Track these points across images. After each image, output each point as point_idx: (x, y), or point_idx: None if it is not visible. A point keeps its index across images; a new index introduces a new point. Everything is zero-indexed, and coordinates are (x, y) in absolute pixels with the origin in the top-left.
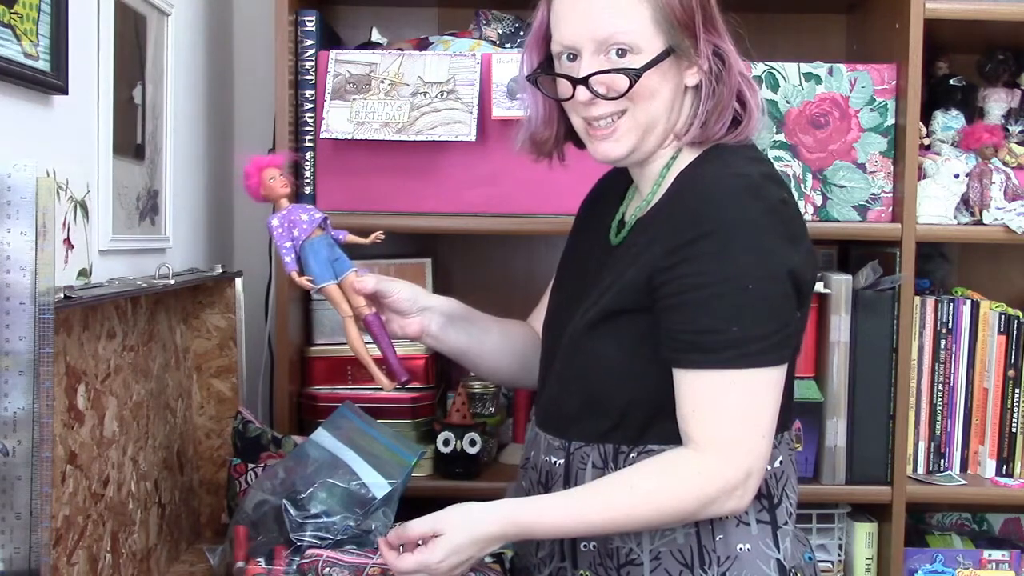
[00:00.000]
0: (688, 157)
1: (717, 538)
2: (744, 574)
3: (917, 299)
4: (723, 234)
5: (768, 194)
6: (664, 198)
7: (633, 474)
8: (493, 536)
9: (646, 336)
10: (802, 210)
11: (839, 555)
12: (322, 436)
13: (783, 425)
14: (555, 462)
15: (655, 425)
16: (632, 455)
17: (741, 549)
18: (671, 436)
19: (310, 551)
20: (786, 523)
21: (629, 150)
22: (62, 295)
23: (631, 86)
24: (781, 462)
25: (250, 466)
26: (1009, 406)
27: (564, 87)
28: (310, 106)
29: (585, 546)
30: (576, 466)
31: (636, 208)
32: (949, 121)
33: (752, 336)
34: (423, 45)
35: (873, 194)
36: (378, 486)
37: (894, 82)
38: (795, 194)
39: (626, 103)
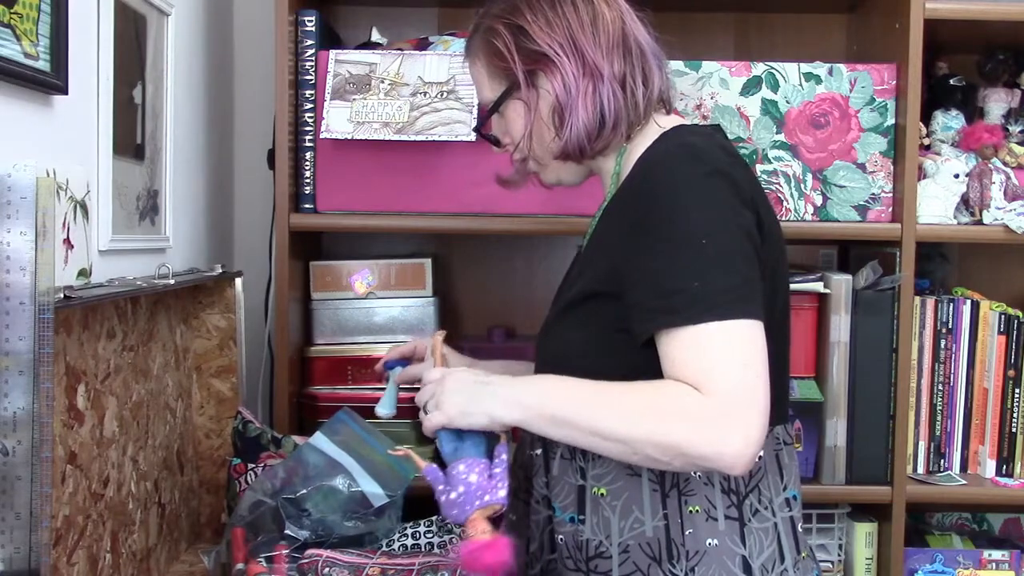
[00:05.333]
0: (641, 145)
1: (686, 532)
2: (712, 569)
3: (917, 299)
4: (670, 199)
5: (710, 158)
6: (623, 184)
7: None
8: (498, 386)
9: (613, 323)
10: (802, 210)
11: (839, 555)
12: (320, 441)
13: (772, 420)
14: (535, 454)
15: None
16: None
17: (709, 544)
18: None
19: (310, 551)
20: (750, 520)
21: (556, 179)
22: (62, 295)
23: (487, 138)
24: (760, 457)
25: (250, 466)
26: (1009, 406)
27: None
28: (310, 106)
29: (562, 539)
30: (550, 455)
31: (600, 208)
32: (949, 121)
33: (717, 289)
34: (423, 45)
35: (873, 194)
36: (376, 496)
37: (894, 82)
38: (795, 194)
39: (517, 149)
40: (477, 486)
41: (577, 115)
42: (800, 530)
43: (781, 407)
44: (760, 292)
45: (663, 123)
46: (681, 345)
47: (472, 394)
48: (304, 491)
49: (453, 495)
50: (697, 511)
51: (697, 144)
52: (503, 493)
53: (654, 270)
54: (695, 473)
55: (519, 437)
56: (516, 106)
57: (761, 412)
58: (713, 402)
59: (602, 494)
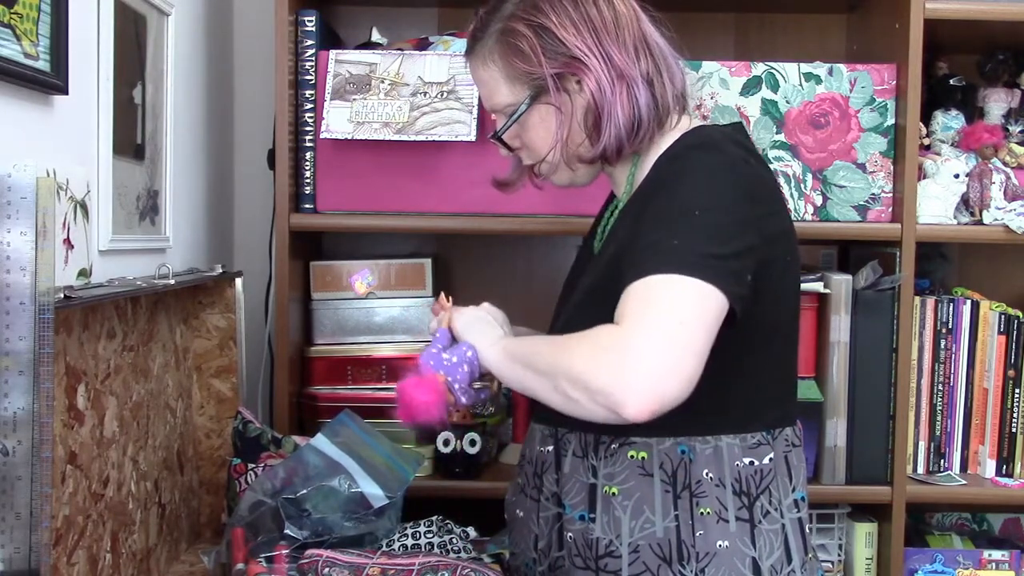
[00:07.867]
0: (659, 147)
1: (697, 534)
2: (722, 571)
3: (917, 299)
4: (677, 181)
5: (726, 152)
6: (641, 185)
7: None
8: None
9: None
10: (802, 210)
11: (839, 555)
12: (321, 442)
13: (781, 421)
14: (546, 450)
15: None
16: (613, 446)
17: (720, 546)
18: (653, 429)
19: (310, 551)
20: (761, 522)
21: (569, 181)
22: (62, 295)
23: (504, 144)
24: (771, 459)
25: (250, 466)
26: (1009, 406)
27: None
28: (310, 106)
29: (571, 536)
30: (561, 452)
31: (615, 211)
32: (949, 121)
33: (691, 249)
34: (423, 45)
35: (873, 194)
36: (376, 497)
37: (894, 82)
38: (795, 194)
39: (532, 152)
40: (468, 377)
41: (614, 119)
42: (807, 531)
43: (788, 409)
44: (742, 278)
45: (683, 124)
46: (632, 291)
47: (473, 320)
48: (304, 491)
49: (446, 356)
50: (708, 513)
51: (714, 137)
52: (465, 400)
53: (646, 236)
54: (706, 474)
55: (529, 432)
56: (542, 111)
57: (676, 370)
58: (624, 333)
59: (613, 493)
